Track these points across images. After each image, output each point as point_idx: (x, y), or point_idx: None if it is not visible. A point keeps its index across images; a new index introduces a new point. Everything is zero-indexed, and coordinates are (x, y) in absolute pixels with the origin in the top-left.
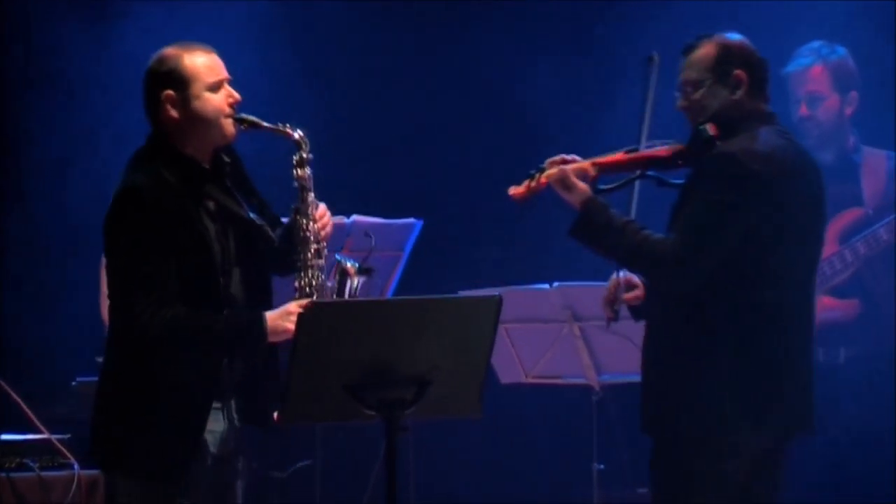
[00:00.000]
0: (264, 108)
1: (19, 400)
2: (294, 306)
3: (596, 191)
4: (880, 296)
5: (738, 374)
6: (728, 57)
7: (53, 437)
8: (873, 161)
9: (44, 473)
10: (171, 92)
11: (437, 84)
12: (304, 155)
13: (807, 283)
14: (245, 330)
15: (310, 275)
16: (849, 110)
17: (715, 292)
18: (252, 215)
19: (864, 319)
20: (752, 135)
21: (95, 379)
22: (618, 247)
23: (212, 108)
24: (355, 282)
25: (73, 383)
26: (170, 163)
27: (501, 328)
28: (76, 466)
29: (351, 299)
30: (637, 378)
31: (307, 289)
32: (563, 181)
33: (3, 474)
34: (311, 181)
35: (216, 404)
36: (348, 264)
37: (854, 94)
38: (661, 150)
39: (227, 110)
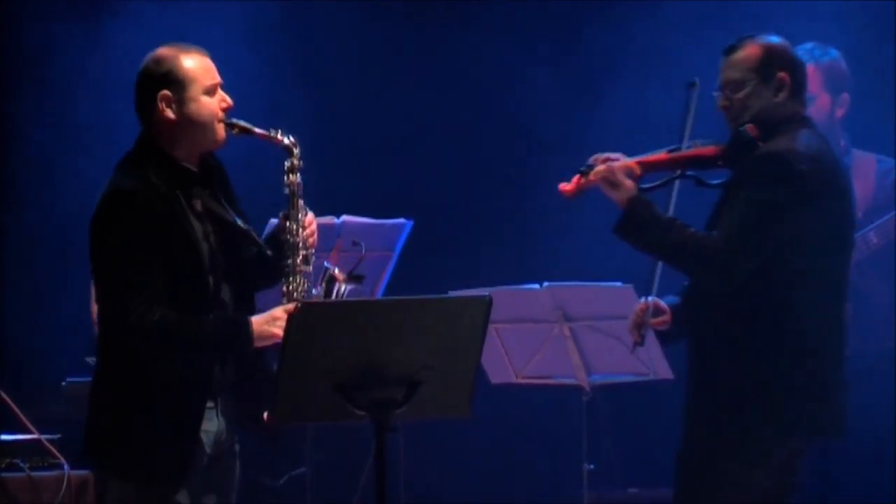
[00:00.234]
0: (256, 107)
1: (9, 400)
2: (280, 311)
3: (638, 189)
4: (870, 298)
5: (775, 378)
6: (772, 59)
7: (43, 437)
8: (862, 164)
9: (34, 474)
10: (167, 92)
11: (429, 85)
12: (295, 161)
13: (842, 288)
14: (232, 334)
15: (297, 280)
16: (840, 112)
17: (753, 293)
18: (238, 220)
19: (854, 322)
20: (794, 136)
21: (86, 379)
22: (662, 243)
23: (207, 111)
24: (342, 288)
25: (64, 384)
26: (158, 166)
27: (491, 328)
28: (66, 467)
29: (340, 300)
30: (626, 378)
31: (294, 294)
32: (610, 179)
33: None
34: (301, 188)
35: (209, 404)
36: (336, 271)
37: (845, 96)
38: (703, 150)
39: (221, 115)
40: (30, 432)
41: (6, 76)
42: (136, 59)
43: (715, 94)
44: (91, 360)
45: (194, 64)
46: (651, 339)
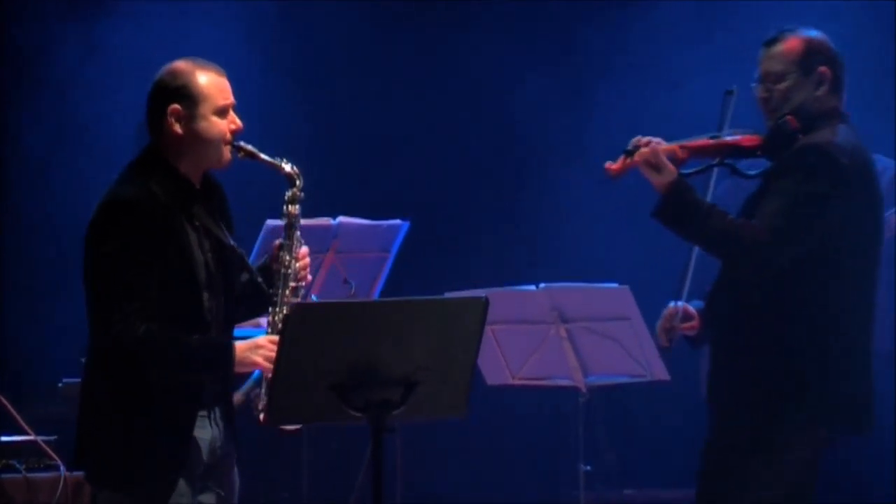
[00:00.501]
0: (254, 108)
1: (6, 401)
2: (264, 340)
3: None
4: None
5: (808, 367)
6: (813, 52)
7: (40, 438)
8: None
9: (30, 475)
10: (178, 107)
11: (426, 87)
12: (297, 192)
13: (872, 282)
14: (213, 357)
15: (284, 311)
16: None
17: (786, 285)
18: (233, 242)
19: None
20: (834, 130)
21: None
22: (703, 229)
23: (216, 131)
24: None
25: (60, 384)
26: (161, 178)
27: (488, 329)
28: (62, 468)
29: (337, 300)
30: (622, 380)
31: (279, 325)
32: (654, 161)
33: None
34: (300, 219)
35: (202, 412)
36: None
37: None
38: (744, 139)
39: (229, 137)
40: (26, 433)
41: (3, 77)
42: (134, 59)
43: (753, 85)
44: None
45: (209, 81)
46: (649, 341)
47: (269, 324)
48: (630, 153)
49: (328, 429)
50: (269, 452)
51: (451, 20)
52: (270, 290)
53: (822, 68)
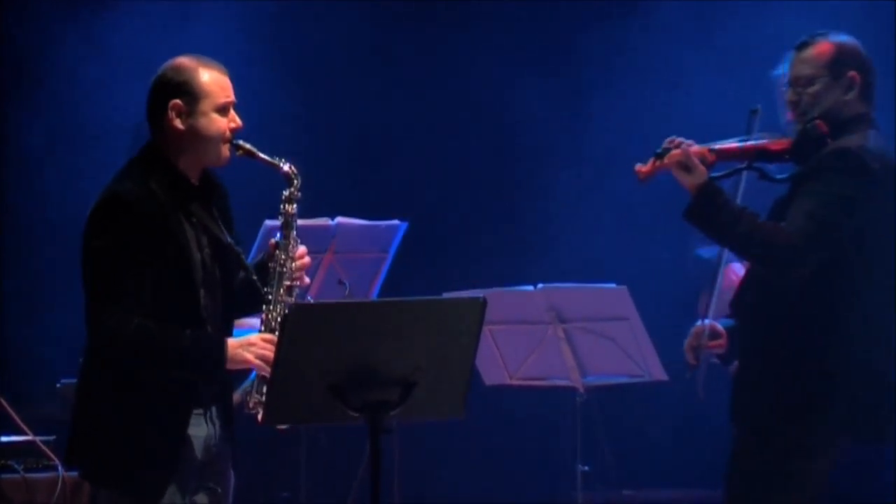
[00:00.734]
0: (252, 110)
1: (4, 402)
2: (256, 338)
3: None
4: None
5: (839, 373)
6: (844, 57)
7: (38, 438)
8: None
9: (28, 475)
10: (179, 102)
11: (424, 89)
12: (294, 192)
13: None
14: (206, 353)
15: (277, 310)
16: None
17: (814, 288)
18: (230, 240)
19: None
20: (864, 135)
21: None
22: (733, 230)
23: (216, 128)
24: None
25: (58, 385)
26: (160, 175)
27: (486, 330)
28: (60, 468)
29: (335, 301)
30: (620, 380)
31: (272, 323)
32: (685, 162)
33: None
34: (296, 218)
35: (197, 411)
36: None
37: None
38: (773, 143)
39: (228, 135)
40: (24, 434)
41: (2, 76)
42: (134, 58)
43: (783, 88)
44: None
45: (211, 79)
46: (646, 341)
47: (262, 322)
48: (660, 155)
49: (326, 429)
50: (267, 452)
51: (451, 21)
52: (265, 289)
53: (852, 73)
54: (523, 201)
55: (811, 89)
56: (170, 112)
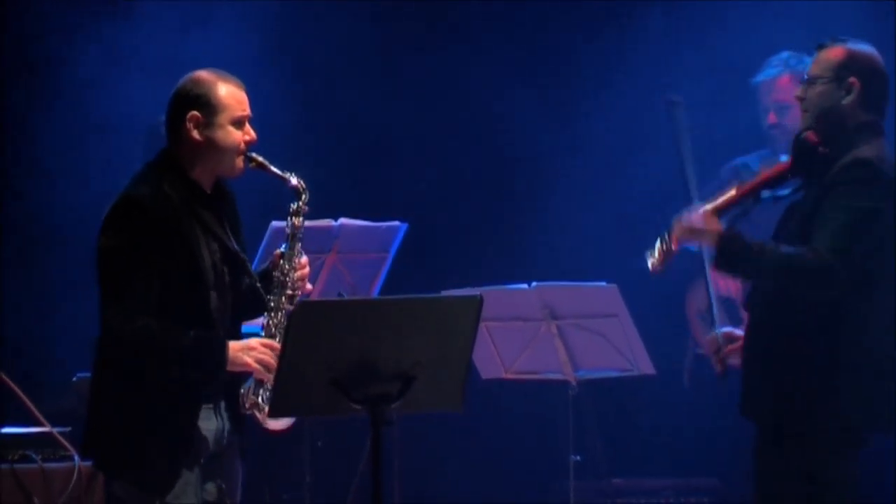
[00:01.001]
0: (252, 111)
1: (22, 395)
2: (256, 342)
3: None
4: None
5: (845, 368)
6: (850, 63)
7: (55, 430)
8: None
9: (46, 465)
10: (197, 114)
11: (423, 94)
12: (302, 205)
13: None
14: (208, 354)
15: (279, 317)
16: None
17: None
18: (236, 247)
19: None
20: (877, 144)
21: None
22: (763, 267)
23: (231, 141)
24: None
25: (74, 379)
26: (174, 181)
27: (482, 326)
28: (77, 458)
29: (338, 299)
30: (610, 374)
31: (273, 329)
32: (690, 232)
33: (7, 466)
34: (302, 231)
35: (207, 405)
36: None
37: None
38: (769, 171)
39: (243, 147)
40: (42, 425)
41: (10, 76)
42: (147, 61)
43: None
44: None
45: (228, 93)
46: (635, 337)
47: (263, 327)
48: (664, 239)
49: (327, 430)
50: (270, 453)
51: (451, 25)
52: (268, 297)
53: (853, 79)
54: (518, 204)
55: (815, 89)
56: (188, 123)
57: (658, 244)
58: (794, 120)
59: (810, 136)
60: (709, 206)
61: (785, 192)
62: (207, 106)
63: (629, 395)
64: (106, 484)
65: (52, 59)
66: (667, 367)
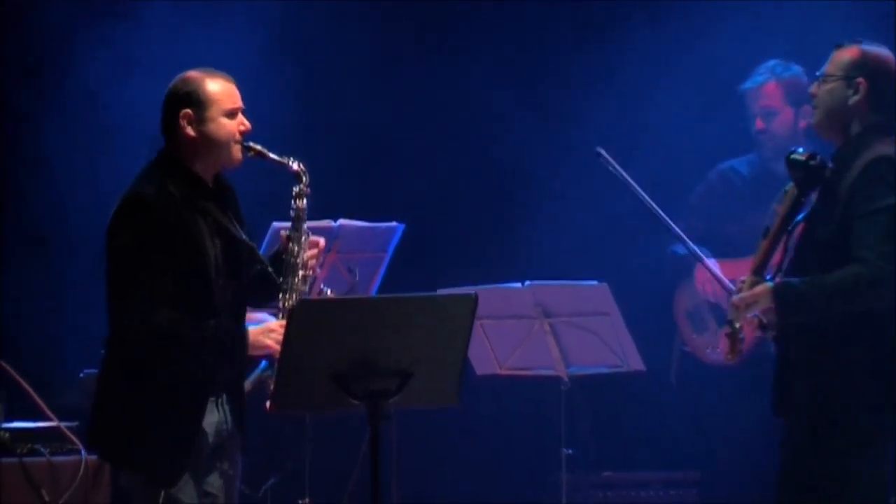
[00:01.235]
0: (252, 112)
1: (30, 390)
2: (275, 324)
3: (769, 281)
4: None
5: (881, 363)
6: (861, 63)
7: (62, 424)
8: None
9: (53, 458)
10: (189, 111)
11: (421, 98)
12: (303, 188)
13: None
14: (229, 342)
15: (294, 298)
16: (802, 123)
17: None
18: (244, 236)
19: None
20: (889, 143)
21: None
22: (825, 306)
23: (225, 132)
24: None
25: (81, 375)
26: (176, 177)
27: (477, 324)
28: (83, 452)
29: (338, 297)
30: (601, 370)
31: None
32: (748, 307)
33: (16, 459)
34: (306, 213)
35: (211, 398)
36: (328, 292)
37: (807, 108)
38: (787, 206)
39: (238, 137)
40: (49, 420)
41: (18, 78)
42: (153, 64)
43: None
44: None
45: (217, 87)
46: (625, 334)
47: (280, 309)
48: (733, 334)
49: (328, 430)
50: (269, 450)
51: (448, 28)
52: (280, 280)
53: (861, 79)
54: (513, 206)
55: (825, 87)
56: (181, 121)
57: (728, 340)
58: (781, 126)
59: (796, 156)
60: (750, 273)
61: (804, 212)
62: (198, 102)
63: (620, 391)
64: (112, 476)
65: (59, 61)
66: (656, 364)
